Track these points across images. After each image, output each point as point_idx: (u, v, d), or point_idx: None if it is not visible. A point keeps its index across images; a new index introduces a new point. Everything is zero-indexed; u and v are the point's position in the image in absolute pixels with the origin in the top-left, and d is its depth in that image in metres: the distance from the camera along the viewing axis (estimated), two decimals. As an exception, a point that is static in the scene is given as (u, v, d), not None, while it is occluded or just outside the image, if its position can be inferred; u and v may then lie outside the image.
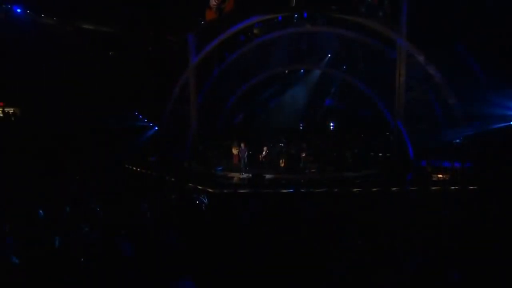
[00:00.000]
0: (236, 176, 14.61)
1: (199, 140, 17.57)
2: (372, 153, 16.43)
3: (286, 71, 20.13)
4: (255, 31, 18.64)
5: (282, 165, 15.23)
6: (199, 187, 12.83)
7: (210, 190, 12.46)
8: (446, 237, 7.26)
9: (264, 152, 15.15)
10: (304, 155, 15.18)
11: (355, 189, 12.03)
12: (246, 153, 15.07)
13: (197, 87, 17.84)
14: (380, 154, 16.68)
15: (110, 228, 8.34)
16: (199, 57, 17.12)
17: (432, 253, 6.48)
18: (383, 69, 16.40)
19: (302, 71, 20.43)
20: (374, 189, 11.95)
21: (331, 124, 20.25)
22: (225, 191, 12.34)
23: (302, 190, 12.16)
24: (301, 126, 20.39)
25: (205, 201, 10.87)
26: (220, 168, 15.28)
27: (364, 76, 17.36)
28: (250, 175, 13.94)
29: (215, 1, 14.71)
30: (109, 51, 18.27)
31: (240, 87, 19.15)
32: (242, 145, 15.09)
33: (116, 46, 18.33)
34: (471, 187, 11.37)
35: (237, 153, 16.02)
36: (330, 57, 18.67)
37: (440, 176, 13.11)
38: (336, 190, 12.08)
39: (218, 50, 17.85)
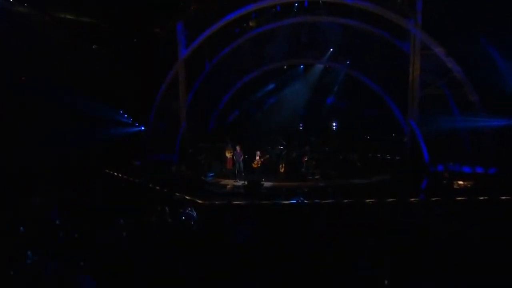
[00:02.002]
0: (229, 183, 12.90)
1: (189, 142, 15.91)
2: (381, 156, 14.82)
3: (285, 67, 18.50)
4: (250, 23, 16.96)
5: (282, 170, 13.56)
6: (187, 197, 11.10)
7: (199, 201, 10.75)
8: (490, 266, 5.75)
9: (257, 157, 13.33)
10: (306, 159, 13.53)
11: (368, 200, 10.38)
12: (242, 157, 13.32)
13: (187, 83, 16.26)
14: (388, 157, 15.12)
15: (70, 255, 6.68)
16: (189, 50, 15.47)
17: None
18: (392, 63, 14.89)
19: (302, 66, 18.78)
20: (390, 200, 10.32)
21: (334, 124, 18.61)
22: (217, 202, 10.62)
23: (306, 202, 10.51)
24: (301, 127, 18.74)
25: (194, 214, 9.24)
26: (212, 174, 13.56)
27: (371, 71, 15.80)
28: (246, 182, 12.24)
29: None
30: (89, 43, 16.38)
31: (234, 83, 17.61)
32: (238, 148, 13.34)
33: (98, 39, 16.47)
34: (503, 198, 9.76)
35: (231, 156, 14.33)
36: (333, 50, 17.05)
37: (461, 183, 11.52)
38: (345, 201, 10.44)
39: (210, 42, 16.25)
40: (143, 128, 17.50)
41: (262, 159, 13.24)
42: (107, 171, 14.49)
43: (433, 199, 10.06)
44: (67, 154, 14.22)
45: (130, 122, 17.71)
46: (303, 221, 8.82)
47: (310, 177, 13.12)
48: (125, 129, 17.40)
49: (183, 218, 9.13)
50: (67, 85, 14.75)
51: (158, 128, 16.49)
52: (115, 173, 14.23)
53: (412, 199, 10.36)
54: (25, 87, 14.59)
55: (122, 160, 15.96)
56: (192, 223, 9.15)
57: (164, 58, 16.35)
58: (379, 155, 15.34)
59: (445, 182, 11.59)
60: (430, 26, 12.71)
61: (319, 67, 18.09)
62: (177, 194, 11.46)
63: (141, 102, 17.05)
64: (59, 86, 14.64)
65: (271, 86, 18.63)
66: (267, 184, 12.39)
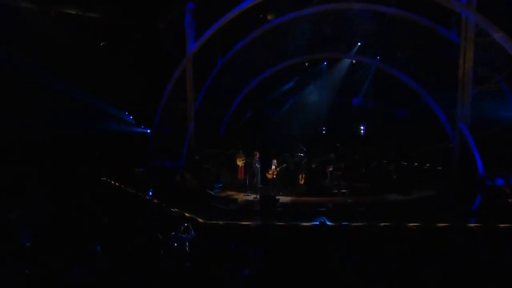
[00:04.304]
0: (239, 197, 10.97)
1: (197, 147, 14.19)
2: (421, 166, 12.47)
3: (306, 64, 16.61)
4: (269, 17, 15.16)
5: (302, 182, 11.51)
6: (187, 214, 9.26)
7: (200, 220, 8.89)
8: None
9: (273, 166, 11.33)
10: (330, 169, 11.49)
11: (410, 224, 8.16)
12: (260, 165, 11.41)
13: (197, 81, 14.80)
14: (427, 165, 12.76)
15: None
16: (198, 44, 13.85)
17: None
18: (435, 56, 12.71)
19: (325, 63, 16.75)
20: (440, 225, 8.06)
21: (362, 128, 16.39)
22: (221, 222, 8.71)
23: (330, 224, 8.44)
24: (324, 131, 16.77)
25: (189, 237, 7.46)
26: (220, 185, 11.70)
27: (408, 66, 13.62)
28: (258, 196, 10.27)
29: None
30: (91, 38, 15.04)
31: (248, 82, 16.05)
32: (256, 155, 11.51)
33: (99, 33, 15.13)
34: None
35: (242, 165, 12.42)
36: (361, 43, 14.97)
37: (532, 202, 9.07)
38: (381, 224, 8.26)
39: (222, 36, 14.72)
40: (148, 131, 16.01)
41: (278, 169, 11.21)
42: (103, 178, 12.92)
43: (501, 225, 7.70)
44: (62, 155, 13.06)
45: (133, 122, 16.29)
46: (327, 251, 6.80)
47: (335, 191, 11.05)
48: (128, 128, 16.00)
49: (175, 244, 7.34)
50: (68, 80, 13.77)
51: (164, 131, 15.02)
52: (112, 182, 12.62)
53: (471, 225, 8.05)
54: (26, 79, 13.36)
55: (123, 165, 14.49)
56: (187, 248, 7.35)
57: (171, 54, 14.87)
58: (416, 163, 13.00)
59: (511, 201, 9.14)
60: (485, 7, 10.34)
61: (345, 62, 16.13)
62: (175, 210, 9.63)
63: (146, 103, 15.58)
64: (59, 80, 13.66)
65: (290, 84, 16.92)
66: (283, 199, 10.38)
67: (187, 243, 7.49)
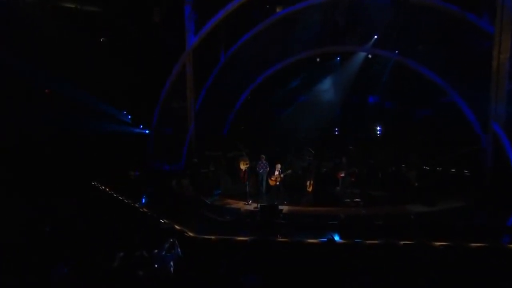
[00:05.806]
0: (240, 206, 9.88)
1: (197, 149, 13.24)
2: (445, 172, 11.13)
3: (317, 58, 15.36)
4: (277, 9, 14.10)
5: (309, 189, 10.32)
6: (177, 226, 8.21)
7: (190, 234, 7.82)
8: None
9: (276, 171, 10.21)
10: (342, 175, 10.34)
11: (437, 243, 6.87)
12: (267, 169, 10.46)
13: (198, 79, 13.88)
14: (453, 171, 11.41)
15: None
16: (199, 37, 12.91)
17: None
18: (462, 48, 11.31)
19: (338, 58, 15.50)
20: (474, 244, 6.75)
21: (378, 129, 15.12)
22: (213, 237, 7.61)
23: (339, 241, 7.27)
24: (336, 132, 15.64)
25: (175, 255, 6.39)
26: (218, 192, 10.63)
27: (432, 59, 12.26)
28: (258, 206, 9.12)
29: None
30: (83, 35, 14.28)
31: (254, 79, 15.05)
32: (263, 158, 10.63)
33: (93, 29, 14.34)
34: None
35: (246, 169, 11.34)
36: (379, 35, 13.68)
37: None
38: (401, 242, 6.99)
39: (225, 29, 13.93)
40: (147, 131, 15.14)
41: (282, 175, 10.05)
42: (94, 183, 12.02)
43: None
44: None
45: (131, 122, 15.46)
46: (335, 275, 5.63)
47: (347, 201, 9.87)
48: (126, 128, 15.18)
49: (156, 266, 6.25)
50: (61, 77, 13.09)
51: (164, 132, 14.15)
52: (102, 187, 11.71)
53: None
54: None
55: (121, 168, 13.62)
56: (171, 269, 6.25)
57: (170, 48, 13.93)
58: (440, 169, 11.63)
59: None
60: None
61: (360, 56, 14.83)
62: (165, 221, 8.59)
63: (145, 101, 14.72)
64: (51, 76, 13.04)
65: (300, 81, 15.74)
66: (288, 209, 9.25)
67: (171, 263, 6.41)
